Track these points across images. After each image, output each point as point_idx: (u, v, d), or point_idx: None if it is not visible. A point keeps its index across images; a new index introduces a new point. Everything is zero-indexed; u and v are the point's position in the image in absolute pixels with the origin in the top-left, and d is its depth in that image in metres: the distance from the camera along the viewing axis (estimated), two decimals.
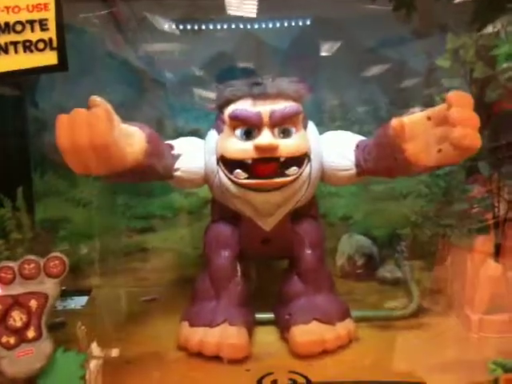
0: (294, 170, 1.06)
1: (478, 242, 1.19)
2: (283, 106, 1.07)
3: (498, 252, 1.17)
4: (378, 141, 1.07)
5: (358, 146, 1.12)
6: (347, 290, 1.34)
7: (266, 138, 1.05)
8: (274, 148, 1.04)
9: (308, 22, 1.57)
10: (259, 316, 1.22)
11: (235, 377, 1.01)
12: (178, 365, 1.07)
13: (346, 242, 1.55)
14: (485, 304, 1.15)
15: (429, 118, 0.97)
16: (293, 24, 1.57)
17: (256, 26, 1.56)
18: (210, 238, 1.20)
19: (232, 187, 1.10)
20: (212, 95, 1.21)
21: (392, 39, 1.54)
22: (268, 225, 1.13)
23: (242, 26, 1.55)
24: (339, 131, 1.21)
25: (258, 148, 1.04)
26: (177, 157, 1.13)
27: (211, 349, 1.06)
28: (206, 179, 1.16)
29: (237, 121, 1.07)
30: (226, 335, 1.07)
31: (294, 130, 1.08)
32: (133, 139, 0.96)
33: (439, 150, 0.95)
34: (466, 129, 0.91)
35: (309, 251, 1.16)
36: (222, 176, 1.11)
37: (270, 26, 1.57)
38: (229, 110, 1.09)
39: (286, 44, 1.56)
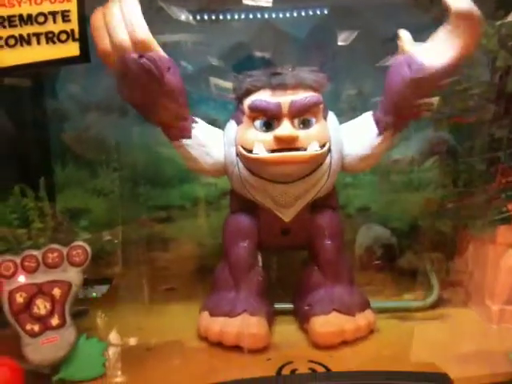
0: (314, 145, 1.05)
1: (499, 233, 1.18)
2: (303, 96, 1.06)
3: None
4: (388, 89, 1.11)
5: (374, 114, 1.14)
6: (366, 281, 1.33)
7: (285, 128, 1.04)
8: (293, 139, 1.04)
9: (326, 11, 1.55)
10: (278, 306, 1.23)
11: (255, 365, 1.02)
12: (198, 353, 1.08)
13: (364, 232, 1.55)
14: (505, 294, 1.15)
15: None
16: (311, 13, 1.56)
17: (273, 16, 1.55)
18: (230, 228, 1.20)
19: (251, 178, 1.10)
20: (229, 85, 1.20)
21: (412, 28, 1.52)
22: (287, 216, 1.13)
23: (259, 16, 1.54)
24: (359, 117, 1.19)
25: (277, 139, 1.04)
26: (194, 120, 1.13)
27: (231, 339, 1.07)
28: (226, 170, 1.16)
29: (256, 112, 1.07)
30: (246, 325, 1.07)
31: (314, 120, 1.08)
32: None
33: None
34: None
35: (328, 242, 1.16)
36: (241, 167, 1.11)
37: (288, 15, 1.56)
38: (248, 101, 1.09)
39: (303, 33, 1.55)
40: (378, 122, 1.13)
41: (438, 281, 1.31)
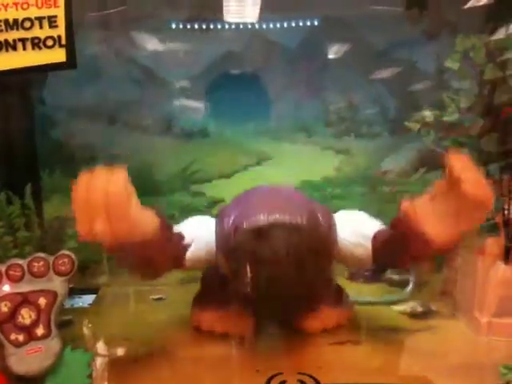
0: None
1: (488, 244, 1.18)
2: None
3: (507, 254, 1.16)
4: (394, 236, 1.01)
5: (375, 238, 1.05)
6: (355, 292, 1.33)
7: None
8: None
9: (317, 22, 1.56)
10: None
11: (244, 377, 1.01)
12: (186, 364, 1.07)
13: None
14: (494, 307, 1.14)
15: (432, 198, 0.95)
16: (301, 24, 1.57)
17: (264, 26, 1.56)
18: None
19: None
20: None
21: (402, 41, 1.53)
22: None
23: (249, 26, 1.55)
24: (353, 211, 1.14)
25: None
26: (187, 246, 1.07)
27: (221, 328, 1.13)
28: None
29: None
30: (234, 317, 1.12)
31: None
32: (146, 217, 0.94)
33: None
34: (474, 177, 0.87)
35: None
36: None
37: (279, 25, 1.56)
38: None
39: (294, 44, 1.56)
40: (374, 256, 1.05)
41: (415, 277, 1.36)
